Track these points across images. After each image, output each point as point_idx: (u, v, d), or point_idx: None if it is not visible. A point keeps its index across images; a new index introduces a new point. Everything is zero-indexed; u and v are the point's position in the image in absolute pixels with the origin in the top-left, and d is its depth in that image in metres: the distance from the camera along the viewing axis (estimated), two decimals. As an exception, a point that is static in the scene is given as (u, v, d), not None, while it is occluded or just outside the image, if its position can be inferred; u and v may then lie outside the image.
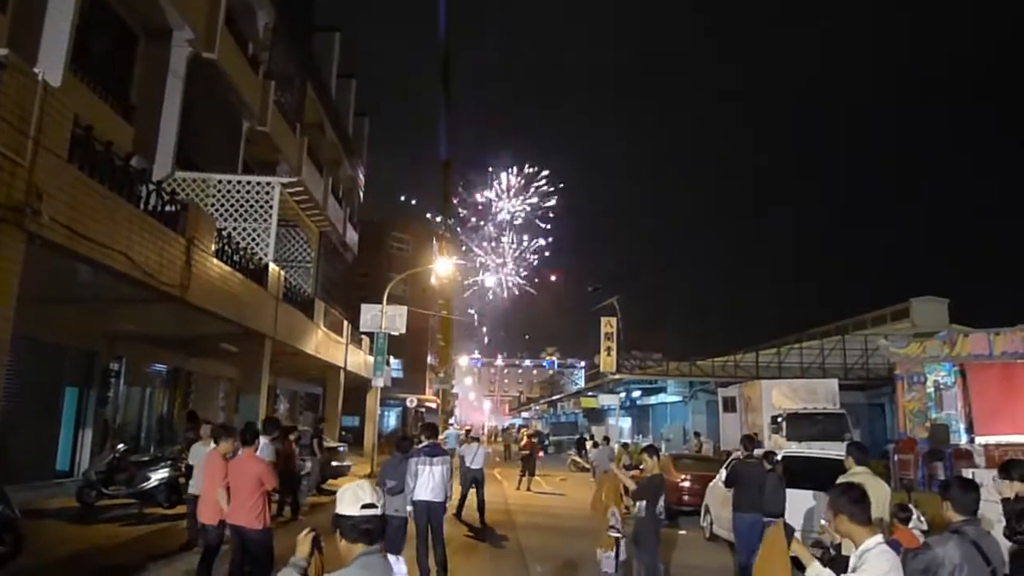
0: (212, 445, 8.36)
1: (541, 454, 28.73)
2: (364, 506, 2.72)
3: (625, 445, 28.40)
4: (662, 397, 39.88)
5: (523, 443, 26.11)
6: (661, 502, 8.07)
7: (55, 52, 12.16)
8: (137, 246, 9.87)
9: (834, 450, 11.65)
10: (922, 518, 8.12)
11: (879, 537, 3.62)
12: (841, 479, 7.14)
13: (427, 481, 8.85)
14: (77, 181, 8.51)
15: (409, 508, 8.86)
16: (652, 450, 8.16)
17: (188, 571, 8.38)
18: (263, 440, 9.17)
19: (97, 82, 14.37)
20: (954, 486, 4.12)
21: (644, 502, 7.41)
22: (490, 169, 52.95)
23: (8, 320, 7.64)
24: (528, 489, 21.61)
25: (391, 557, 2.69)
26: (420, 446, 9.30)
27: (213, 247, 13.05)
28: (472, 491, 14.50)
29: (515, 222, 52.77)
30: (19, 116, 7.33)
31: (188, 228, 11.85)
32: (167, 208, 11.35)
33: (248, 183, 16.91)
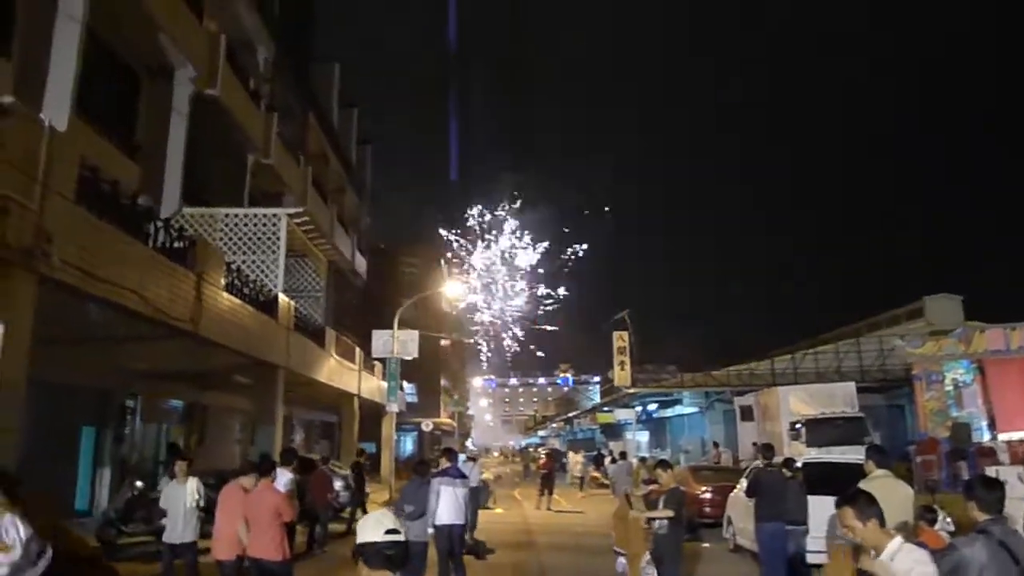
0: (188, 483, 8.27)
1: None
2: (388, 531, 2.72)
3: (643, 459, 28.23)
4: (678, 409, 39.65)
5: (542, 462, 26.00)
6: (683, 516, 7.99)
7: (60, 97, 12.31)
8: (148, 283, 9.94)
9: (854, 454, 11.54)
10: (948, 519, 8.02)
11: (899, 537, 3.65)
12: (862, 483, 7.04)
13: (451, 503, 8.92)
14: (85, 222, 8.60)
15: (431, 531, 8.88)
16: (665, 464, 8.11)
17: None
18: (280, 471, 9.13)
19: (102, 124, 14.54)
20: (978, 485, 4.07)
21: (665, 521, 7.33)
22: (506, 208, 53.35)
23: (24, 362, 7.69)
24: (548, 508, 21.47)
25: None
26: (442, 468, 9.33)
27: (223, 281, 13.13)
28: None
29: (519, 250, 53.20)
30: (26, 160, 7.43)
31: (197, 263, 11.94)
32: (176, 245, 11.43)
33: (255, 216, 17.03)
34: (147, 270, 10.02)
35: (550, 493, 22.18)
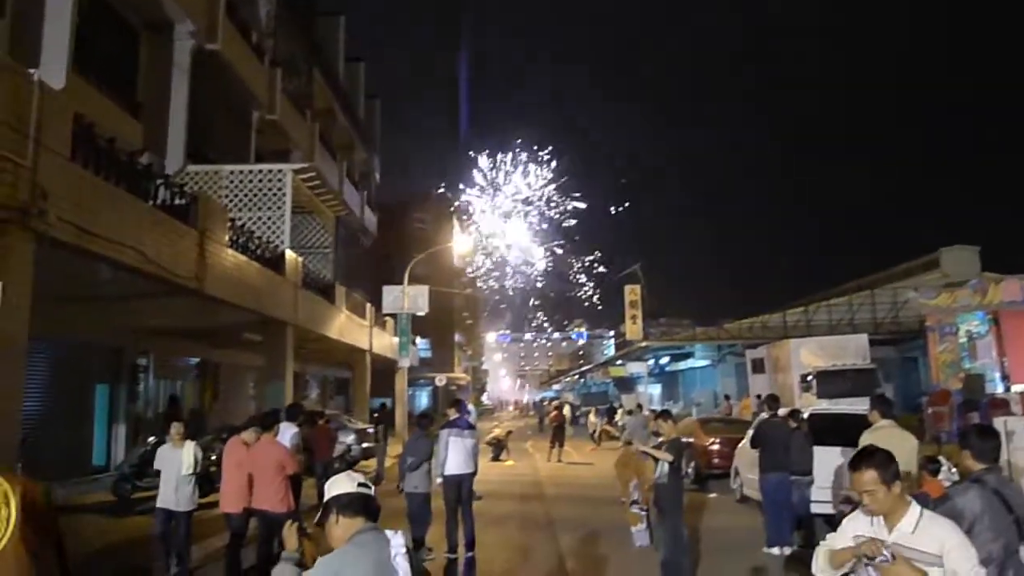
0: (184, 446, 7.76)
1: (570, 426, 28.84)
2: (359, 484, 2.73)
3: (655, 412, 28.35)
4: (690, 362, 39.67)
5: (552, 415, 26.14)
6: (684, 466, 7.99)
7: (57, 54, 12.18)
8: (148, 240, 9.91)
9: (864, 406, 11.45)
10: (953, 469, 7.96)
11: (918, 506, 3.10)
12: (866, 433, 7.01)
13: (459, 453, 9.00)
14: (81, 179, 8.54)
15: (439, 481, 8.96)
16: (667, 414, 8.08)
17: (220, 557, 8.47)
18: (285, 426, 9.20)
19: (103, 82, 14.39)
20: (973, 434, 3.99)
21: (665, 467, 7.30)
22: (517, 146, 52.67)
23: (25, 320, 7.71)
24: (559, 460, 21.66)
25: (388, 532, 2.65)
26: (451, 419, 9.36)
27: (227, 237, 13.09)
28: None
29: (535, 200, 52.68)
30: (16, 116, 7.34)
31: (200, 220, 11.88)
32: (177, 202, 11.37)
33: (259, 172, 16.92)
34: (147, 227, 9.98)
35: (561, 445, 22.34)
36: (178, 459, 7.72)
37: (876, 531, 3.06)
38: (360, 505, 2.71)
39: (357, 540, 2.62)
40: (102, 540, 9.76)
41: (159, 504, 7.81)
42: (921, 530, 2.97)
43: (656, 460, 7.48)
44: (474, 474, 9.26)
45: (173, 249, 10.76)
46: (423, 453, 8.85)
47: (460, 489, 8.97)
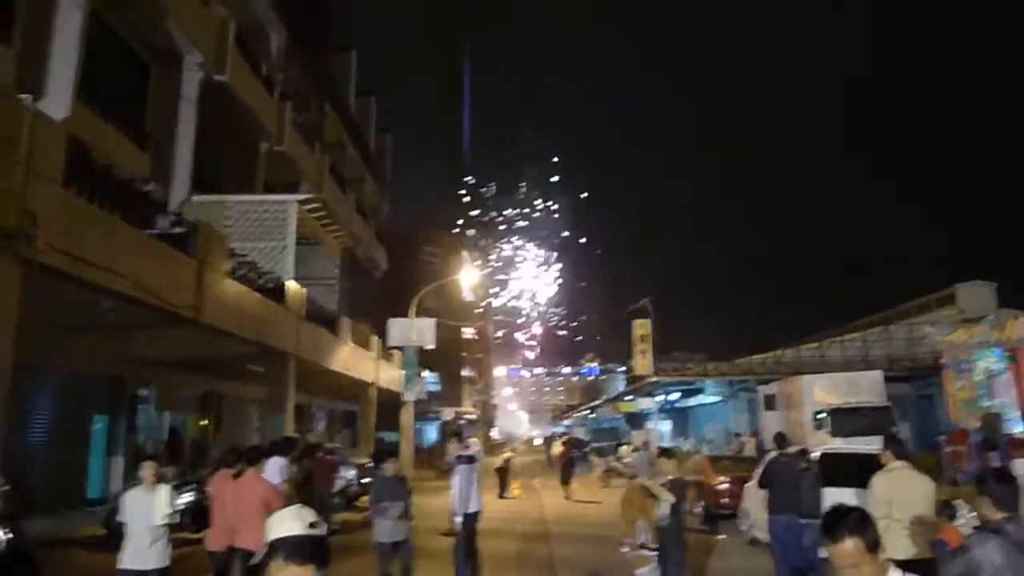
0: (156, 490, 6.30)
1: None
2: (310, 525, 2.40)
3: (661, 449, 27.82)
4: (701, 398, 39.09)
5: (560, 451, 25.63)
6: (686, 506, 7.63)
7: (63, 83, 12.19)
8: (144, 269, 9.76)
9: (877, 445, 11.05)
10: (973, 514, 7.57)
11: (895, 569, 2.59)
12: (878, 475, 6.64)
13: (474, 489, 8.72)
14: (74, 205, 8.42)
15: (458, 520, 8.60)
16: (668, 452, 7.74)
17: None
18: (275, 460, 8.94)
19: (109, 112, 14.42)
20: (992, 480, 3.67)
21: (667, 507, 6.97)
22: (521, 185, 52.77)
23: (9, 347, 7.53)
24: (566, 498, 21.18)
25: None
26: (461, 454, 9.07)
27: (227, 267, 12.94)
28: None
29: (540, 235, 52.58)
30: (7, 142, 7.23)
31: (199, 249, 11.75)
32: (176, 230, 11.26)
33: (264, 203, 16.87)
34: (143, 255, 9.84)
35: (566, 482, 21.86)
36: (150, 506, 6.26)
37: None
38: (310, 550, 2.41)
39: None
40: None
41: (125, 565, 6.20)
42: None
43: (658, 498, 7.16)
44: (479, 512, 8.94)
45: (170, 278, 10.62)
46: (404, 496, 7.98)
47: (470, 524, 8.67)
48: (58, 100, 12.08)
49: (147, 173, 15.39)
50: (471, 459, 9.25)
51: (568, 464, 22.65)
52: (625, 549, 8.07)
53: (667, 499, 6.96)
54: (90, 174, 9.11)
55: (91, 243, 8.55)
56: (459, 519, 8.51)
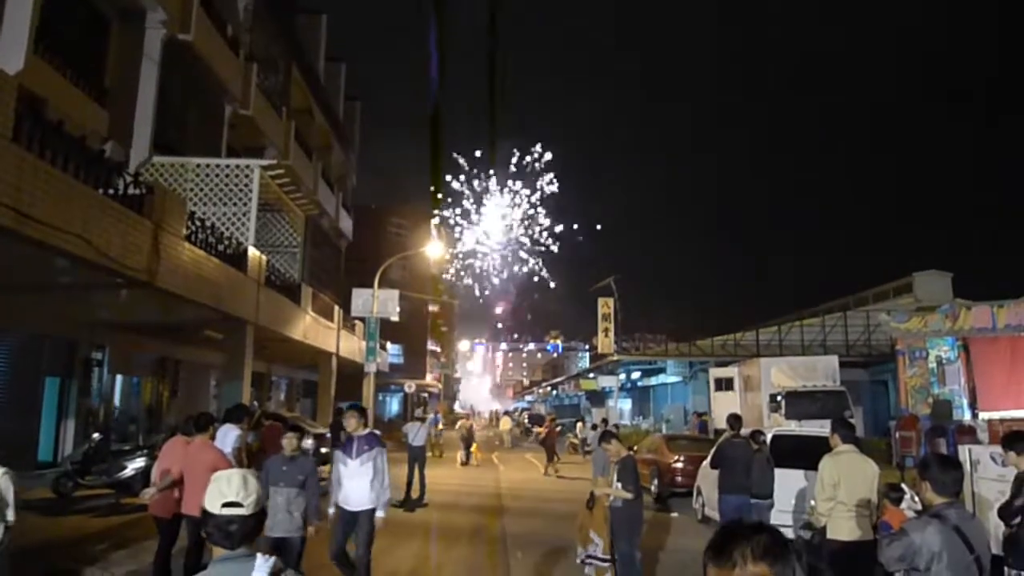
0: None
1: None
2: (225, 504, 2.31)
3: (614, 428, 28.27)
4: (662, 378, 39.54)
5: (543, 429, 25.59)
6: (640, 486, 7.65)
7: (17, 34, 11.77)
8: (95, 229, 9.47)
9: (828, 428, 11.24)
10: (916, 498, 7.74)
11: None
12: (826, 458, 6.73)
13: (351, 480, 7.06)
14: (23, 160, 8.11)
15: (381, 514, 6.93)
16: (609, 435, 7.67)
17: (151, 562, 8.02)
18: (227, 427, 8.80)
19: (68, 66, 13.94)
20: (933, 465, 3.69)
21: (617, 504, 7.01)
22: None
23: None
24: (546, 473, 21.42)
25: (260, 557, 2.29)
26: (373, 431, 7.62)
27: (184, 231, 12.65)
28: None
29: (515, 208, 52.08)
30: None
31: (155, 211, 11.45)
32: (131, 191, 10.94)
33: (227, 166, 16.49)
34: (94, 215, 9.54)
35: (549, 460, 22.04)
36: None
37: None
38: (221, 535, 2.30)
39: (215, 571, 2.27)
40: (33, 539, 9.27)
41: None
42: None
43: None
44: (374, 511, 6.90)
45: (124, 240, 10.33)
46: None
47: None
48: (12, 52, 11.67)
49: (106, 132, 14.97)
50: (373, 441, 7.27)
51: (549, 441, 22.80)
52: (579, 561, 8.03)
53: (626, 496, 6.99)
54: (41, 128, 8.76)
55: (41, 201, 8.27)
56: (331, 510, 7.00)
